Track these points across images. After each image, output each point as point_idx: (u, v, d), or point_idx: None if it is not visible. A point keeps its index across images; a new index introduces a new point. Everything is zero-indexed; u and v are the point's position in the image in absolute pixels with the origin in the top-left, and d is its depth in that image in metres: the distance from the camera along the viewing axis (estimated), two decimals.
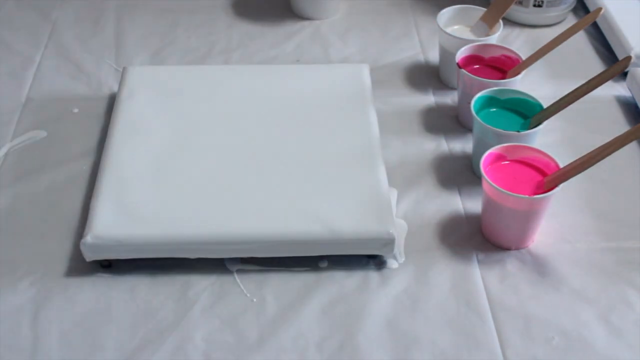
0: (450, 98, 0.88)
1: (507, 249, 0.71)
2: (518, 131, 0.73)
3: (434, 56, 0.95)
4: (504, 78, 0.81)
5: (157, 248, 0.67)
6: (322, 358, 0.62)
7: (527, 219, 0.68)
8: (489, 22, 0.88)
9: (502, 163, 0.70)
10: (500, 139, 0.72)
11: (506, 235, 0.70)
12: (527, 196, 0.66)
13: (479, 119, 0.73)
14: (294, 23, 1.00)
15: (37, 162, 0.79)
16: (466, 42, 0.84)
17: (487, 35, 0.87)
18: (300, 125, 0.77)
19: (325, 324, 0.65)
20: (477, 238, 0.72)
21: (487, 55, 0.83)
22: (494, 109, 0.77)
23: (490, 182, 0.66)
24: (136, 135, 0.76)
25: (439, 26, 0.86)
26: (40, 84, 0.90)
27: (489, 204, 0.69)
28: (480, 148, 0.73)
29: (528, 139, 0.73)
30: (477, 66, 0.83)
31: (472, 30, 0.89)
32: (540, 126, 0.74)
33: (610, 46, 0.95)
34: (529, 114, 0.76)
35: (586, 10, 1.03)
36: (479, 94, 0.76)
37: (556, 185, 0.66)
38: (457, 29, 0.89)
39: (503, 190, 0.66)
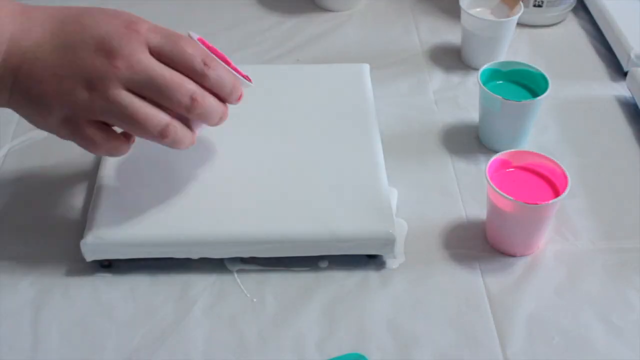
0: (450, 97, 0.89)
1: (513, 255, 0.70)
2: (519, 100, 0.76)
3: (434, 56, 0.95)
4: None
5: (157, 248, 0.67)
6: (322, 358, 0.62)
7: (533, 226, 0.68)
8: (509, 3, 0.90)
9: (507, 170, 0.70)
10: (506, 107, 0.76)
11: (512, 242, 0.70)
12: (532, 204, 0.65)
13: (485, 88, 0.77)
14: (294, 23, 1.00)
15: (37, 162, 0.79)
16: (488, 22, 0.87)
17: (508, 16, 0.89)
18: (300, 125, 0.77)
19: (325, 324, 0.65)
20: (477, 238, 0.72)
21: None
22: (500, 82, 0.80)
23: (496, 188, 0.66)
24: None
25: (461, 8, 0.88)
26: None
27: (494, 211, 0.68)
28: (486, 118, 0.79)
29: (533, 107, 0.76)
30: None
31: (493, 12, 0.90)
32: (544, 94, 0.76)
33: (610, 46, 0.95)
34: (533, 85, 0.79)
35: (586, 10, 1.03)
36: (484, 67, 0.79)
37: None
38: (479, 12, 0.90)
39: (509, 197, 0.65)
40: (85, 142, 0.60)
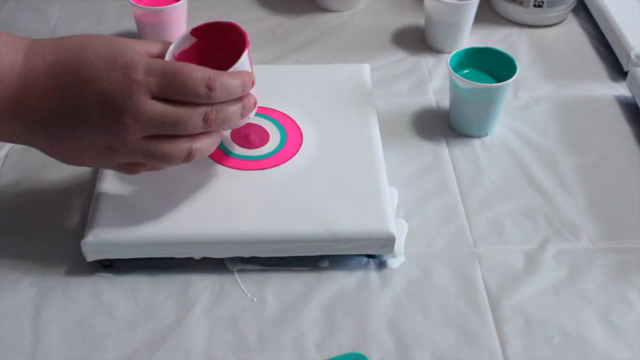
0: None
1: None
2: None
3: (434, 56, 0.95)
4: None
5: (158, 248, 0.67)
6: (322, 358, 0.62)
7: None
8: None
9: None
10: (473, 93, 0.79)
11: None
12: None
13: (454, 72, 0.79)
14: (295, 24, 1.00)
15: (37, 162, 0.79)
16: (450, 5, 0.89)
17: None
18: (300, 125, 0.77)
19: (325, 324, 0.65)
20: (477, 238, 0.72)
21: None
22: (467, 70, 0.83)
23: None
24: None
25: None
26: None
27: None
28: (455, 103, 0.83)
29: (501, 91, 0.79)
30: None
31: None
32: (513, 78, 0.79)
33: (610, 46, 0.95)
34: (500, 74, 0.81)
35: (586, 10, 1.03)
36: (454, 52, 0.82)
37: None
38: None
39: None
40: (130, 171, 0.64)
